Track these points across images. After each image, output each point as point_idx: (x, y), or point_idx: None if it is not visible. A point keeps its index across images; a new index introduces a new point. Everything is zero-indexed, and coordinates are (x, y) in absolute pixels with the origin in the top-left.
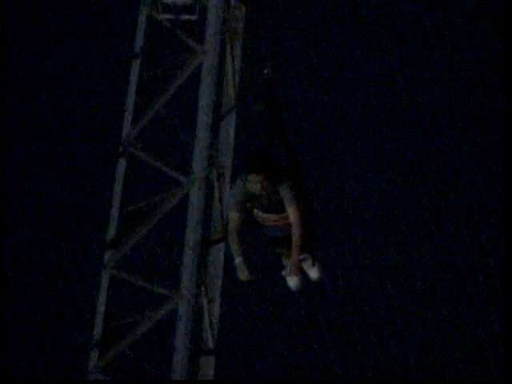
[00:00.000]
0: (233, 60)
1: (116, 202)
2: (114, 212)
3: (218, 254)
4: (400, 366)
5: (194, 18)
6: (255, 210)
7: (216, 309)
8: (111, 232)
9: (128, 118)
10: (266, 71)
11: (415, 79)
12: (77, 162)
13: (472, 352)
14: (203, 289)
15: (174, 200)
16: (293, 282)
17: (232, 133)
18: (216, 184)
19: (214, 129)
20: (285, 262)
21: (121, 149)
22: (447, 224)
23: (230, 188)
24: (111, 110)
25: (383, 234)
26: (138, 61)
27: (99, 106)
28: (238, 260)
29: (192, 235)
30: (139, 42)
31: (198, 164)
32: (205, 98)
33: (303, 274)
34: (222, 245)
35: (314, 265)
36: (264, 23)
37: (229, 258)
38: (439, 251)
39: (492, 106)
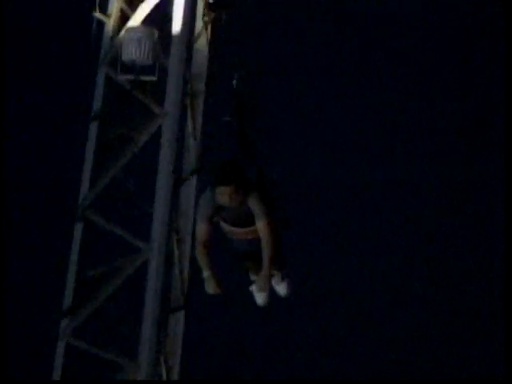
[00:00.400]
0: (194, 122)
1: (73, 268)
2: (71, 278)
3: (178, 321)
4: (400, 366)
5: (153, 78)
6: (222, 223)
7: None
8: (67, 300)
9: (85, 181)
10: (234, 82)
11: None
12: (33, 227)
13: (472, 352)
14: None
15: (132, 266)
16: (261, 298)
17: (193, 196)
18: (176, 251)
19: (175, 193)
20: (252, 277)
21: (78, 213)
22: (446, 224)
23: (199, 199)
24: (69, 174)
25: (376, 236)
26: (96, 123)
27: (56, 170)
28: (206, 273)
29: (151, 304)
30: (97, 103)
31: (158, 230)
32: (165, 162)
33: (270, 290)
34: (181, 313)
35: (282, 280)
36: (233, 31)
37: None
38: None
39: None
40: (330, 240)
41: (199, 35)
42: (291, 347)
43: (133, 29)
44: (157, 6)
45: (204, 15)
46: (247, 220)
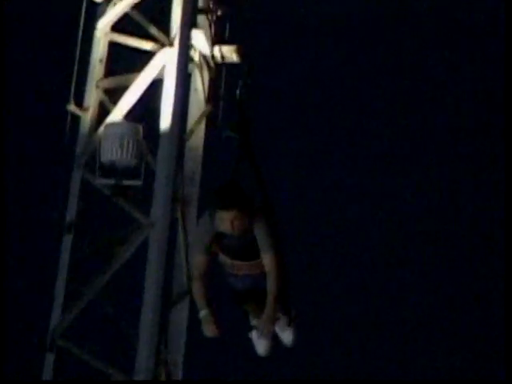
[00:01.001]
0: (185, 233)
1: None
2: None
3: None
4: (400, 365)
5: (138, 183)
6: (221, 255)
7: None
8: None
9: (57, 307)
10: (237, 92)
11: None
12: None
13: (472, 352)
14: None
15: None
16: (262, 346)
17: (184, 322)
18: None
19: (164, 318)
20: (253, 322)
21: (48, 342)
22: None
23: (196, 226)
24: (38, 296)
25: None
26: (71, 236)
27: (25, 295)
28: (203, 313)
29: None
30: (71, 212)
31: (143, 365)
32: (152, 282)
33: (274, 338)
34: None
35: (288, 326)
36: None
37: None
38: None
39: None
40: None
41: (192, 132)
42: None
43: (113, 125)
44: (142, 98)
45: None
46: (251, 252)
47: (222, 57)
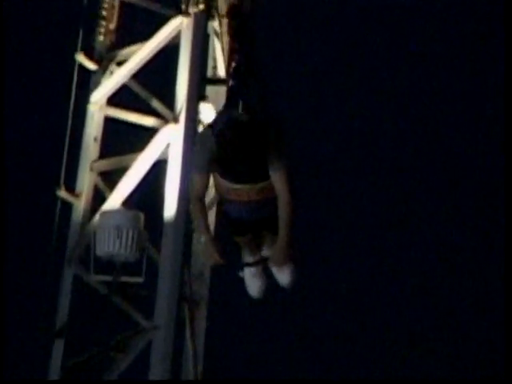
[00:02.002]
0: (193, 338)
1: None
2: None
3: None
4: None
5: (139, 280)
6: (219, 178)
7: None
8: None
9: None
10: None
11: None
12: None
13: (472, 351)
14: None
15: None
16: (256, 287)
17: None
18: None
19: None
20: (247, 258)
21: None
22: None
23: (196, 141)
24: None
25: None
26: (62, 341)
27: None
28: (205, 238)
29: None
30: (62, 315)
31: None
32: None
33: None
34: None
35: (287, 265)
36: None
37: None
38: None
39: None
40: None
41: None
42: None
43: (110, 213)
44: (143, 182)
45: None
46: (256, 173)
47: None
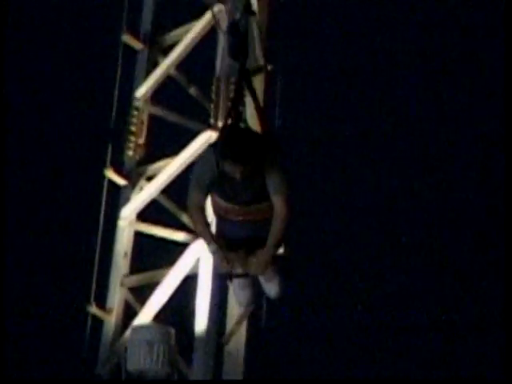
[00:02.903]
0: None
1: None
2: None
3: None
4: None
5: None
6: (216, 198)
7: None
8: None
9: None
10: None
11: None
12: None
13: (472, 351)
14: None
15: None
16: (244, 296)
17: None
18: None
19: None
20: (238, 270)
21: None
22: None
23: (198, 161)
24: None
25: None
26: None
27: None
28: (212, 247)
29: None
30: None
31: None
32: None
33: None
34: None
35: (274, 277)
36: None
37: None
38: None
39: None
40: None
41: (231, 335)
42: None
43: (141, 328)
44: (173, 297)
45: None
46: (254, 196)
47: None
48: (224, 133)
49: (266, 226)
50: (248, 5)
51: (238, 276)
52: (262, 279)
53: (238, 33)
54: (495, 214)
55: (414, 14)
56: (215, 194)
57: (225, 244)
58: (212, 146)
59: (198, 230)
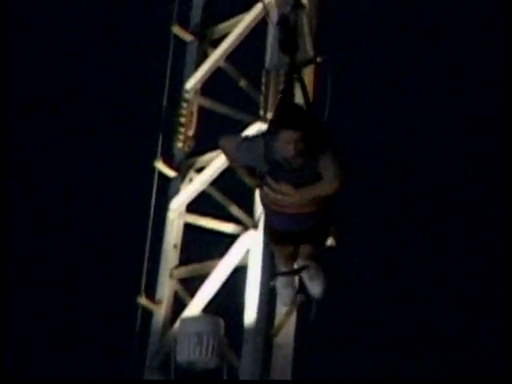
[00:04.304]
0: None
1: None
2: None
3: None
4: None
5: None
6: (266, 188)
7: None
8: None
9: None
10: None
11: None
12: None
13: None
14: None
15: None
16: (286, 296)
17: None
18: None
19: None
20: (280, 267)
21: None
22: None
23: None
24: None
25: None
26: None
27: None
28: (242, 173)
29: None
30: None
31: None
32: None
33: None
34: None
35: (317, 275)
36: None
37: None
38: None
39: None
40: None
41: (280, 327)
42: None
43: (191, 319)
44: (223, 288)
45: None
46: (307, 178)
47: None
48: (277, 109)
49: (315, 219)
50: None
51: (282, 274)
52: (305, 277)
53: (287, 26)
54: (495, 214)
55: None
56: (265, 185)
57: (272, 238)
58: (262, 135)
59: (229, 162)
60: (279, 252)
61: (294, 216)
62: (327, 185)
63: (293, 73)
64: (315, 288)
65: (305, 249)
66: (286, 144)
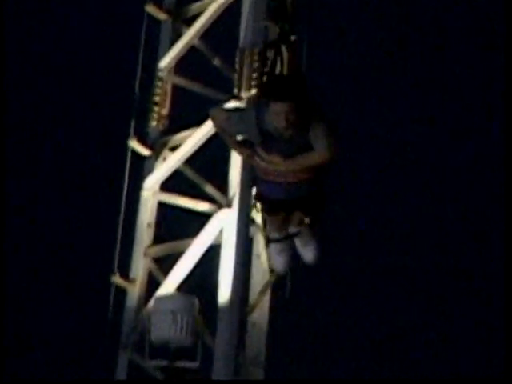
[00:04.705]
0: None
1: None
2: None
3: None
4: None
5: (195, 365)
6: (256, 159)
7: None
8: None
9: None
10: None
11: None
12: None
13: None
14: None
15: None
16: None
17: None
18: None
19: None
20: (273, 234)
21: None
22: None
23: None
24: None
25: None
26: None
27: None
28: (235, 149)
29: None
30: None
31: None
32: None
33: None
34: None
35: (310, 240)
36: None
37: None
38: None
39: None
40: None
41: (255, 305)
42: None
43: (165, 298)
44: (197, 267)
45: None
46: (298, 149)
47: None
48: (264, 83)
49: (307, 186)
50: None
51: (275, 240)
52: (298, 243)
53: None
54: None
55: None
56: (256, 155)
57: (265, 207)
58: (253, 105)
59: (220, 134)
60: (271, 220)
61: (286, 184)
62: (317, 155)
63: (282, 42)
64: (308, 254)
65: (297, 216)
66: (277, 115)
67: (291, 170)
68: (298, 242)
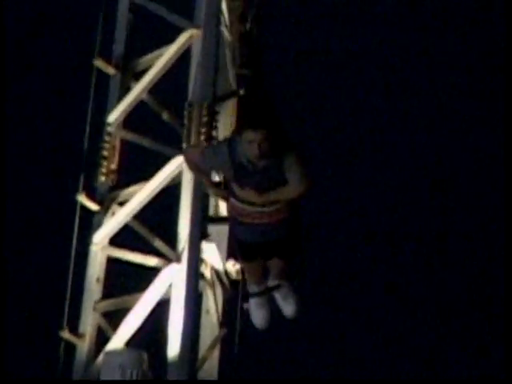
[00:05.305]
0: None
1: None
2: None
3: None
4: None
5: None
6: (231, 200)
7: None
8: None
9: None
10: (247, 24)
11: None
12: None
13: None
14: None
15: None
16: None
17: None
18: None
19: None
20: (252, 288)
21: None
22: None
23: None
24: None
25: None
26: None
27: None
28: (210, 189)
29: None
30: None
31: None
32: None
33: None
34: None
35: (290, 295)
36: None
37: None
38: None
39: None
40: None
41: (204, 359)
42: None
43: (114, 353)
44: (146, 322)
45: None
46: (273, 182)
47: (237, 272)
48: (238, 113)
49: (284, 228)
50: (258, 15)
51: (254, 295)
52: (278, 297)
53: (250, 41)
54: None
55: None
56: (231, 195)
57: (241, 253)
58: (226, 140)
59: (195, 174)
60: (250, 270)
61: (262, 226)
62: (292, 188)
63: (254, 88)
64: (288, 308)
65: (275, 266)
66: (249, 144)
67: (267, 203)
68: (277, 295)
